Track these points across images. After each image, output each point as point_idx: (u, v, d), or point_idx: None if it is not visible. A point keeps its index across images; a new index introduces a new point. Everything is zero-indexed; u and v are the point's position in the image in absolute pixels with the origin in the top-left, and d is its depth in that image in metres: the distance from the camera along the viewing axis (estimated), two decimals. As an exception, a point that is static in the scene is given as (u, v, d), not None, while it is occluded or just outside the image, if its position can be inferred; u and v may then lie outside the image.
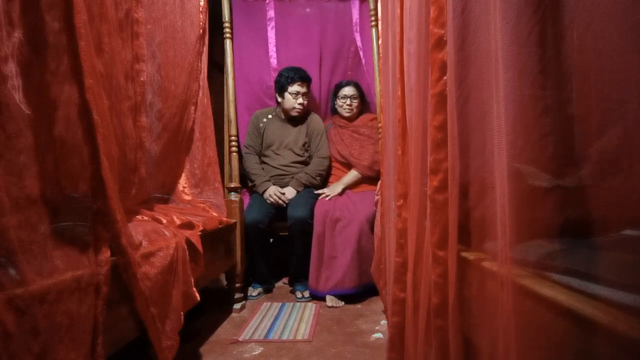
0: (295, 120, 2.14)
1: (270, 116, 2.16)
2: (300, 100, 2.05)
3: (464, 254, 0.63)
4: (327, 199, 1.99)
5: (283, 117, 2.15)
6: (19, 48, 0.66)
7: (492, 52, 0.50)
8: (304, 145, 2.13)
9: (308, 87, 2.10)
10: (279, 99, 2.11)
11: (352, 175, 2.10)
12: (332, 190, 2.05)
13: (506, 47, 0.46)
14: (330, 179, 2.24)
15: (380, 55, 1.55)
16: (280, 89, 2.07)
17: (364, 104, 2.27)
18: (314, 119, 2.18)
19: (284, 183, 2.08)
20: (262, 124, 2.14)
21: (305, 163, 2.14)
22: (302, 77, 2.04)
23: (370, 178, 2.12)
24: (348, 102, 2.16)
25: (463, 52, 0.61)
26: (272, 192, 1.99)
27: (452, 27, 0.60)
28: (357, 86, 2.21)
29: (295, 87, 2.03)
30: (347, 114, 2.18)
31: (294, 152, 2.12)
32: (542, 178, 0.50)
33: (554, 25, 0.51)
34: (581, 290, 0.41)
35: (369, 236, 1.87)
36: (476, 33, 0.57)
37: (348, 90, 2.18)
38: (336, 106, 2.22)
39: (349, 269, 1.80)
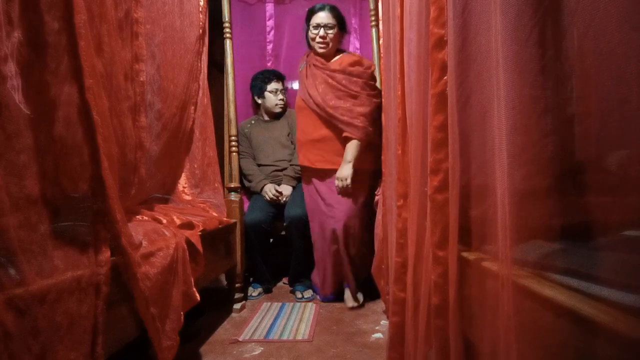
0: (277, 118, 2.21)
1: (253, 122, 2.25)
2: (280, 96, 2.16)
3: (464, 254, 0.63)
4: (340, 191, 1.70)
5: (265, 118, 2.23)
6: (18, 48, 0.66)
7: (492, 52, 0.50)
8: (288, 135, 2.18)
9: (283, 84, 2.21)
10: (259, 101, 2.21)
11: (353, 146, 1.66)
12: (343, 175, 1.66)
13: (507, 47, 0.46)
14: (298, 135, 1.84)
15: (382, 55, 1.55)
16: (259, 90, 2.18)
17: (344, 35, 1.82)
18: (294, 113, 2.22)
19: (281, 179, 2.10)
20: (247, 130, 2.22)
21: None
22: (277, 75, 2.18)
23: (367, 171, 1.76)
24: (322, 32, 1.70)
25: (464, 52, 0.61)
26: (269, 189, 2.00)
27: (452, 27, 0.60)
28: (334, 11, 1.75)
29: (272, 85, 2.15)
30: (320, 49, 1.73)
31: (282, 144, 2.15)
32: (543, 178, 0.50)
33: (554, 24, 0.51)
34: (582, 291, 0.41)
35: (350, 236, 1.71)
36: (477, 33, 0.57)
37: (322, 17, 1.71)
38: (309, 38, 1.79)
39: (330, 275, 1.77)
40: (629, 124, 0.43)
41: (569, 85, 0.52)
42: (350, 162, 1.66)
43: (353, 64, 1.72)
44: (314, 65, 1.77)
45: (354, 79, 1.68)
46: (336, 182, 1.70)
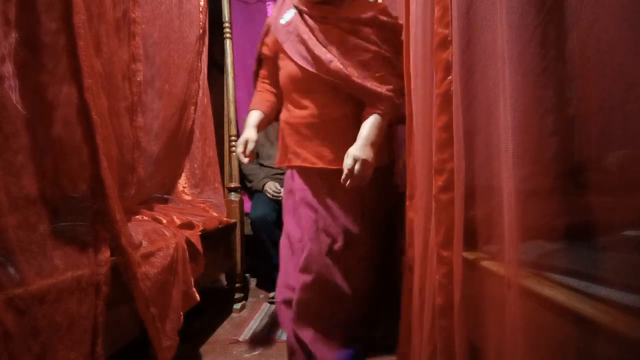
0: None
1: None
2: None
3: (469, 255, 0.63)
4: (348, 177, 0.98)
5: None
6: (16, 48, 0.65)
7: (497, 52, 0.50)
8: None
9: None
10: None
11: (379, 124, 1.03)
12: (364, 156, 0.98)
13: (511, 47, 0.46)
14: (286, 117, 1.15)
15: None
16: None
17: None
18: None
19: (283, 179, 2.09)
20: None
21: None
22: None
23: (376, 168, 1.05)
24: None
25: (468, 52, 0.60)
26: (270, 187, 1.99)
27: (456, 27, 0.60)
28: None
29: None
30: None
31: None
32: (547, 178, 0.50)
33: (558, 25, 0.51)
34: (586, 292, 0.41)
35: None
36: (481, 33, 0.57)
37: None
38: None
39: None
40: (631, 124, 0.43)
41: (574, 85, 0.52)
42: (373, 144, 1.01)
43: (383, 12, 1.07)
44: (315, 16, 1.06)
45: (388, 34, 1.07)
46: (349, 161, 0.98)
